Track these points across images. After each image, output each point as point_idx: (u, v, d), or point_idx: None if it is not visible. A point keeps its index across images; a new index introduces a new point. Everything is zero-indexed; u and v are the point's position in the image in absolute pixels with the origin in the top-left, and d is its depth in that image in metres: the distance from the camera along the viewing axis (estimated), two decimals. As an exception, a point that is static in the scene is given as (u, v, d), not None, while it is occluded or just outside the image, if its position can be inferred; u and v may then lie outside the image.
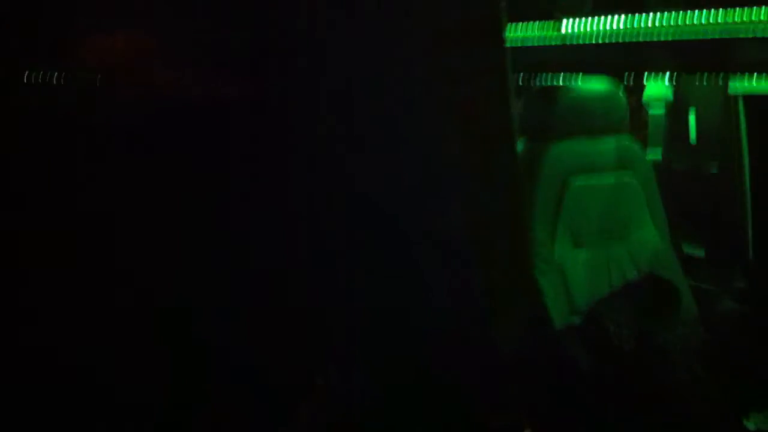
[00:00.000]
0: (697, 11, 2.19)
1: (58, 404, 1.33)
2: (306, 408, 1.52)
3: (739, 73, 2.44)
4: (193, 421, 1.44)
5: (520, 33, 2.70)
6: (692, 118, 2.97)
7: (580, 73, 2.64)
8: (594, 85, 2.62)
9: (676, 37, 2.27)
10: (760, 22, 2.06)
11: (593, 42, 2.48)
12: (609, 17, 2.40)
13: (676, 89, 3.02)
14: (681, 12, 2.23)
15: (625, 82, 2.72)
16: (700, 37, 2.20)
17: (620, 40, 2.40)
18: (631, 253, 2.61)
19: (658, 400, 1.94)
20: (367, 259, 1.53)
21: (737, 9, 2.10)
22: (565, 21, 2.55)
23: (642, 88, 3.11)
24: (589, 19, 2.47)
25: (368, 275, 1.53)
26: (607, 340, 2.19)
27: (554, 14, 2.57)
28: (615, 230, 2.61)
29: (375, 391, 1.56)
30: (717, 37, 2.16)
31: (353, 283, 1.54)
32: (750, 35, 2.08)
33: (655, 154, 3.02)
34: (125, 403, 1.37)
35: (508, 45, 1.72)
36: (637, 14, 2.32)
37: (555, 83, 2.61)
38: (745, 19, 2.10)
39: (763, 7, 2.05)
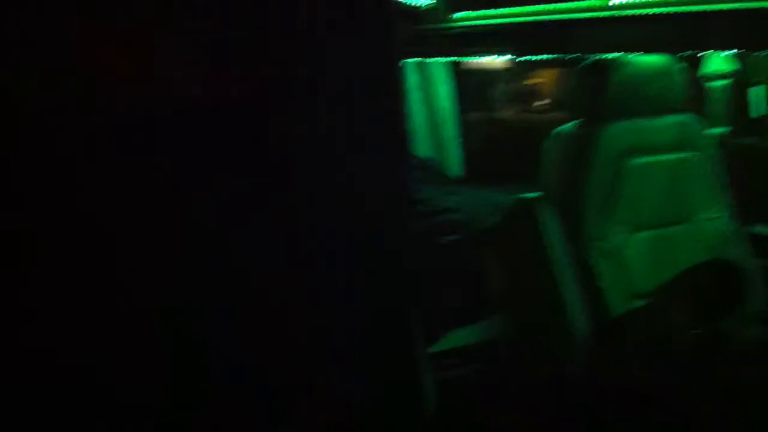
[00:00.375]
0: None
1: (58, 404, 1.32)
2: (306, 407, 1.49)
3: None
4: (193, 421, 1.42)
5: (568, 6, 2.60)
6: (753, 92, 2.82)
7: (634, 49, 2.53)
8: (649, 60, 2.50)
9: (737, 6, 2.14)
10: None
11: (645, 13, 2.36)
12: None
13: (739, 61, 2.86)
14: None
15: (683, 56, 2.58)
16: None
17: (676, 12, 2.28)
18: (696, 235, 2.49)
19: (723, 394, 1.83)
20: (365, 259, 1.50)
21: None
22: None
23: (701, 60, 2.96)
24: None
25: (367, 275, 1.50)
26: (671, 329, 2.09)
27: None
28: (677, 212, 2.50)
29: (375, 392, 1.52)
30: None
31: (353, 283, 1.50)
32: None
33: (719, 130, 2.87)
34: (125, 403, 1.35)
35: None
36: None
37: (606, 59, 2.49)
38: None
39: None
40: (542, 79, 4.62)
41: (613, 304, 2.29)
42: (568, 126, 2.51)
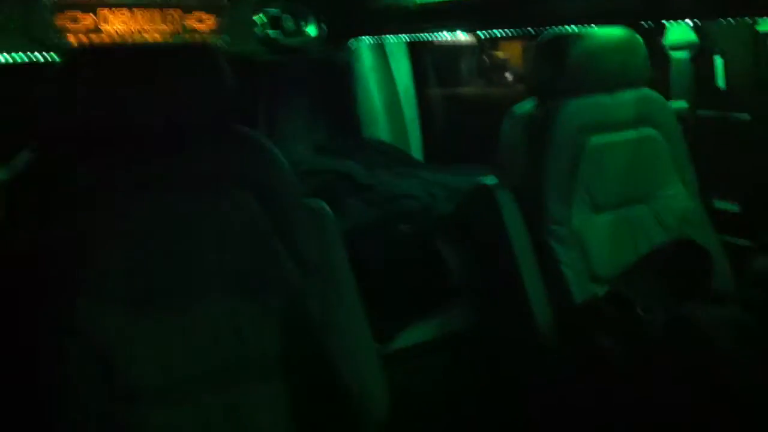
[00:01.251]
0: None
1: None
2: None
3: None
4: None
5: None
6: (719, 61, 2.74)
7: (593, 21, 2.45)
8: (608, 32, 2.41)
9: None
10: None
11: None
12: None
13: (701, 31, 2.79)
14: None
15: (644, 26, 2.49)
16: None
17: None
18: (658, 214, 2.43)
19: (691, 382, 1.77)
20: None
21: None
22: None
23: (662, 31, 2.88)
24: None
25: None
26: (633, 314, 2.03)
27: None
28: (638, 190, 2.42)
29: None
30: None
31: None
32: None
33: (679, 104, 2.79)
34: None
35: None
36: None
37: (564, 33, 2.40)
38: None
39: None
40: (506, 52, 4.53)
41: (575, 290, 2.21)
42: (524, 104, 2.42)
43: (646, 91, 2.48)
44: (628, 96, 2.43)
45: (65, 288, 1.45)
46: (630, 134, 2.41)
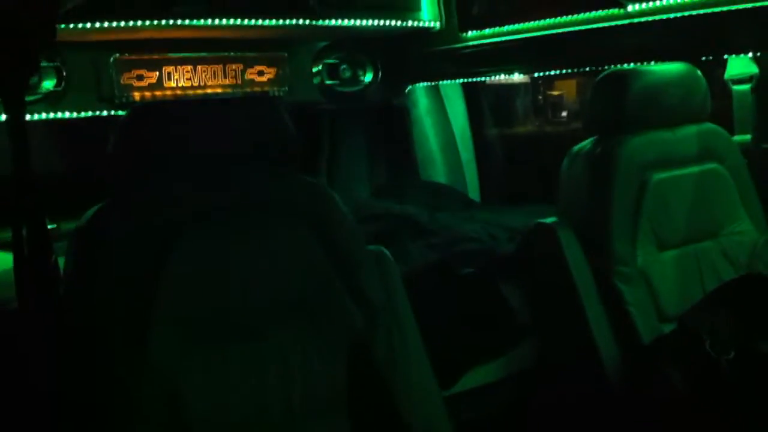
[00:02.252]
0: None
1: None
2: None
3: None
4: None
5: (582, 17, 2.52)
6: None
7: (653, 58, 2.44)
8: (667, 68, 2.40)
9: (757, 5, 2.04)
10: None
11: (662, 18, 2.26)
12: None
13: (763, 62, 2.75)
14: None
15: (704, 59, 2.47)
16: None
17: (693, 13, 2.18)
18: (725, 249, 2.37)
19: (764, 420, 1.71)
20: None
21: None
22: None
23: (723, 63, 2.85)
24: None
25: None
26: (703, 354, 1.98)
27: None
28: (704, 226, 2.38)
29: None
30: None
31: None
32: None
33: (743, 137, 2.74)
34: None
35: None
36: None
37: (622, 70, 2.40)
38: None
39: None
40: (561, 89, 4.54)
41: (643, 329, 2.17)
42: (585, 143, 2.41)
43: (709, 126, 2.45)
44: (690, 131, 2.40)
45: (138, 324, 1.50)
46: (694, 169, 2.38)
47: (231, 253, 1.62)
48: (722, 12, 2.13)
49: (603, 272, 2.23)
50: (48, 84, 2.79)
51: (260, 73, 3.19)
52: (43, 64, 2.76)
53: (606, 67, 2.47)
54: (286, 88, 3.27)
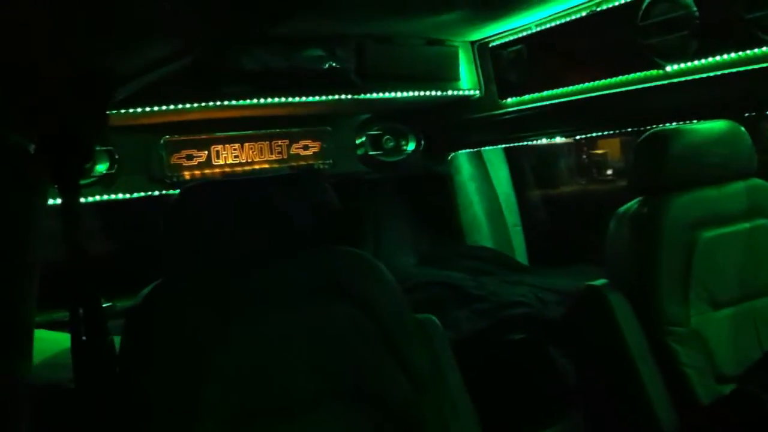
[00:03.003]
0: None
1: None
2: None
3: None
4: None
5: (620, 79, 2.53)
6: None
7: (696, 116, 2.43)
8: (708, 126, 2.39)
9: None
10: None
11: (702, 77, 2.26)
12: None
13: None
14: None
15: (746, 115, 2.46)
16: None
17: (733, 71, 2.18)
18: (781, 306, 2.32)
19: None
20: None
21: None
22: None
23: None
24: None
25: None
26: (763, 413, 1.92)
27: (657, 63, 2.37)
28: (758, 283, 2.33)
29: None
30: None
31: None
32: None
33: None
34: None
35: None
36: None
37: (664, 130, 2.40)
38: None
39: None
40: (604, 148, 4.53)
41: (700, 390, 2.12)
42: (631, 204, 2.40)
43: (756, 181, 2.43)
44: (736, 187, 2.38)
45: (188, 405, 1.52)
46: (743, 226, 2.35)
47: (277, 338, 1.64)
48: (762, 68, 2.13)
49: (655, 334, 2.20)
50: (101, 167, 2.89)
51: (305, 148, 3.27)
52: (96, 148, 2.85)
53: (648, 128, 2.48)
54: (331, 161, 3.33)
